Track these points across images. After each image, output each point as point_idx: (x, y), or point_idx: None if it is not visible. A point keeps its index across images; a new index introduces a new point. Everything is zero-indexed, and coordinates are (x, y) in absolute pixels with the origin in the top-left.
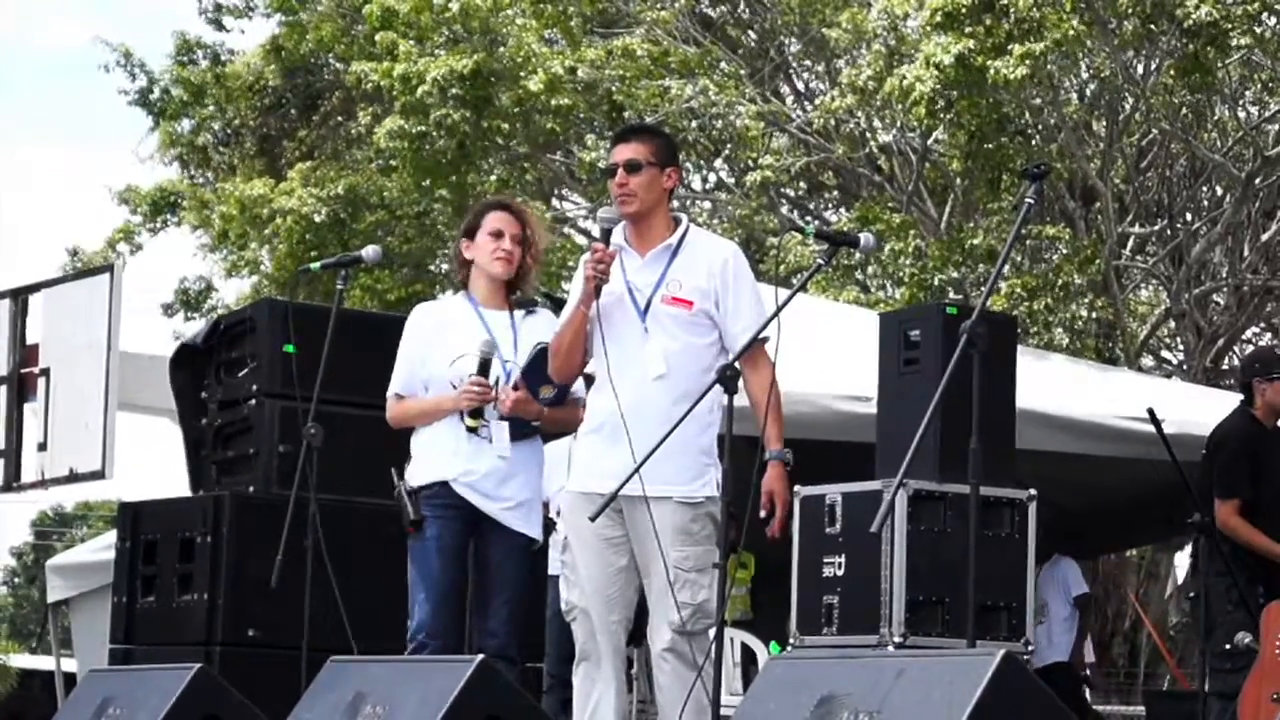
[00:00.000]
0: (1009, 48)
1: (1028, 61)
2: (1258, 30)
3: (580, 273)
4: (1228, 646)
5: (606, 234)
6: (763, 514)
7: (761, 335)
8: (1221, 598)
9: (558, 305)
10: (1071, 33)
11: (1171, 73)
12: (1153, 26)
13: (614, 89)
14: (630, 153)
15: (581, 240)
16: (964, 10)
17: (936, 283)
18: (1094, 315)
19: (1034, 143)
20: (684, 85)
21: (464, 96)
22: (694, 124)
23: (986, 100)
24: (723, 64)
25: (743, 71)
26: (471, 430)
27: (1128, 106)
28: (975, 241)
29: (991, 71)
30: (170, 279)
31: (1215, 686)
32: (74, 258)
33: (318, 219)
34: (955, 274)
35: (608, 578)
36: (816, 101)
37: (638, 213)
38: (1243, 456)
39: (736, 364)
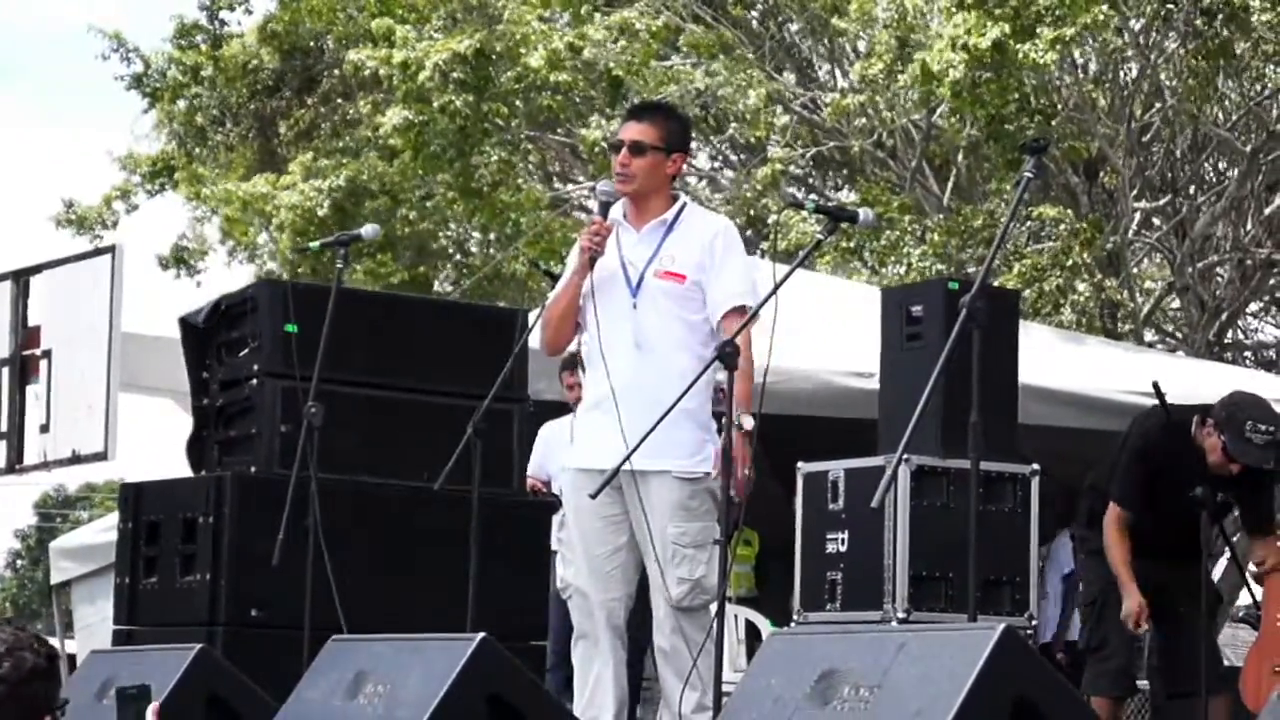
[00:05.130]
0: (1038, 31)
1: (1058, 46)
2: None
3: (577, 244)
4: (1088, 604)
5: (605, 207)
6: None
7: (748, 307)
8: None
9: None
10: (1101, 17)
11: (1188, 46)
12: (1171, 6)
13: (614, 66)
14: (637, 133)
15: (584, 219)
16: None
17: (936, 271)
18: (1103, 294)
19: (1054, 122)
20: (694, 69)
21: (465, 80)
22: (699, 107)
23: (1014, 82)
24: (735, 51)
25: (749, 54)
26: None
27: (1132, 80)
28: (977, 224)
29: (1020, 54)
30: (165, 240)
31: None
32: (69, 209)
33: (321, 212)
34: (959, 256)
35: (605, 555)
36: (827, 99)
37: (635, 192)
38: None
39: (736, 340)
